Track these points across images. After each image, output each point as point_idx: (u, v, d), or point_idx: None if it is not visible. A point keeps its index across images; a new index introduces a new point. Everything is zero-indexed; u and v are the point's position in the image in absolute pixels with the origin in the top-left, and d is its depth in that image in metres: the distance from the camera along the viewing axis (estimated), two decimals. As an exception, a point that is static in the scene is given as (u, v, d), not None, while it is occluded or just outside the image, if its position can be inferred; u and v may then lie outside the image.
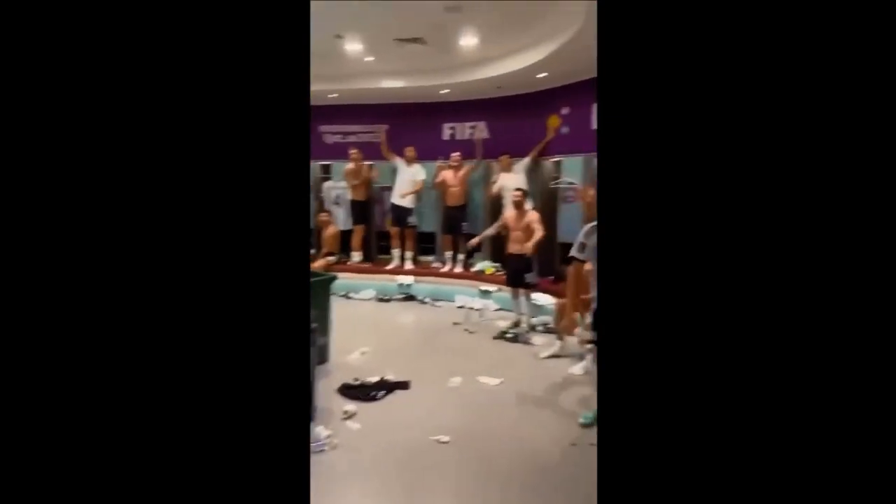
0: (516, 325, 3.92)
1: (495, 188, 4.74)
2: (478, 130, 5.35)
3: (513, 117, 5.12)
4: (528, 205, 3.86)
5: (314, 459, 1.94)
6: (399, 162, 5.08)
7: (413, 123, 5.42)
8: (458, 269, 4.99)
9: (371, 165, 5.27)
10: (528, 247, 3.66)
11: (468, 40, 4.06)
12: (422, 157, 5.09)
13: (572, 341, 3.46)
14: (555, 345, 3.40)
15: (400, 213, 5.02)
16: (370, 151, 5.34)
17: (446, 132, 5.53)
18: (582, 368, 3.09)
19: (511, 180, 4.51)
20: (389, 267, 5.13)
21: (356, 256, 5.32)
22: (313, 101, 5.57)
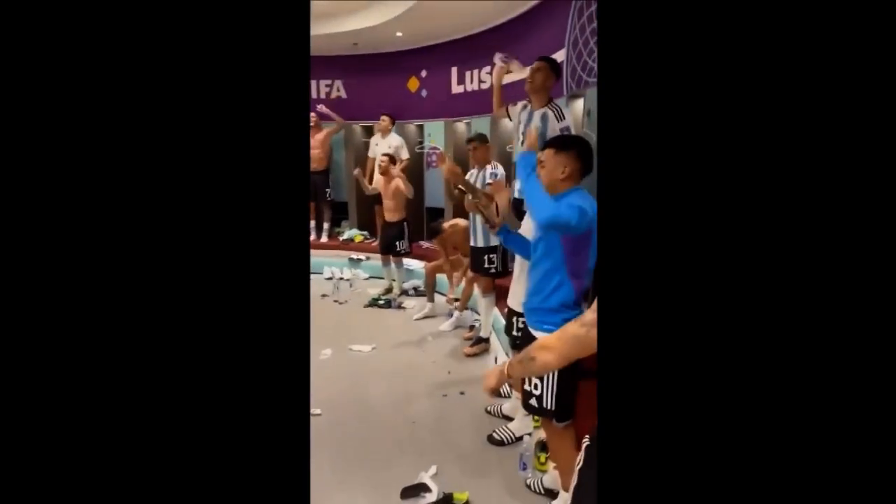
0: (388, 291, 3.92)
1: (371, 153, 4.48)
2: (333, 90, 5.03)
3: (370, 77, 4.92)
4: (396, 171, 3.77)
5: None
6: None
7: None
8: (325, 239, 4.75)
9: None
10: (400, 214, 3.64)
11: (319, -12, 3.72)
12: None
13: (441, 300, 3.60)
14: (426, 306, 3.49)
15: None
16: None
17: (301, 91, 5.09)
18: (450, 325, 3.24)
19: (382, 146, 4.32)
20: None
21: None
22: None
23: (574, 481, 0.92)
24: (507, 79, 2.85)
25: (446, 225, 3.33)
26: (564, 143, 1.40)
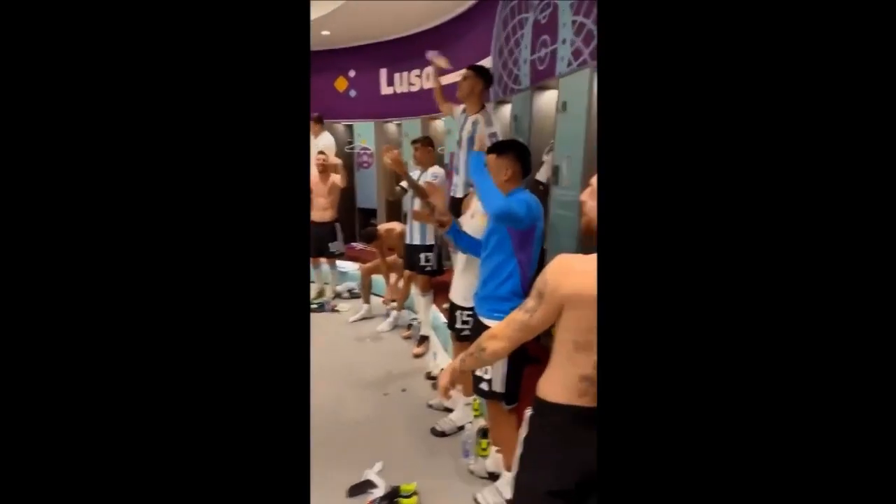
0: (320, 294, 3.82)
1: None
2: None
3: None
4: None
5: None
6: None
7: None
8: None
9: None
10: (332, 214, 3.57)
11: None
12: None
13: (377, 302, 3.58)
14: (362, 308, 3.47)
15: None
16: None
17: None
18: (388, 325, 3.25)
19: (316, 144, 4.16)
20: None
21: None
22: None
23: (519, 450, 1.00)
24: (449, 79, 2.93)
25: (381, 228, 3.33)
26: (503, 147, 1.52)
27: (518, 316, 0.96)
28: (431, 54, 2.71)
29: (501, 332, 0.99)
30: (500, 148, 1.52)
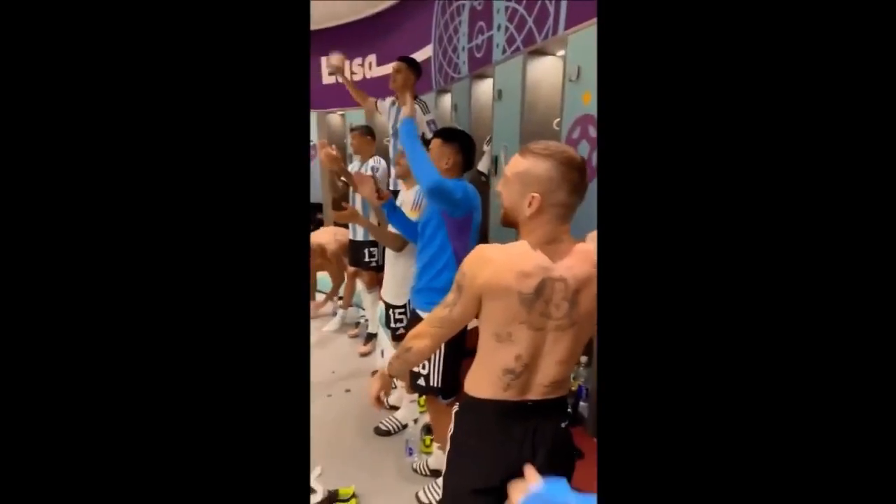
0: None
1: None
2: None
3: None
4: None
5: None
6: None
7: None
8: None
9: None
10: None
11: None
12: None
13: (321, 302, 3.47)
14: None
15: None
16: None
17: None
18: (335, 323, 3.15)
19: None
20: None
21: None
22: None
23: (447, 448, 0.97)
24: (376, 73, 2.85)
25: (314, 243, 3.17)
26: (450, 135, 1.48)
27: (439, 312, 0.92)
28: (333, 56, 2.60)
29: (424, 330, 0.95)
30: (446, 134, 1.47)
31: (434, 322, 0.93)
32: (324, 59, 4.27)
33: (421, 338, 0.95)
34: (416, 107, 2.20)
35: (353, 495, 1.56)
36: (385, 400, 1.15)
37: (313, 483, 1.62)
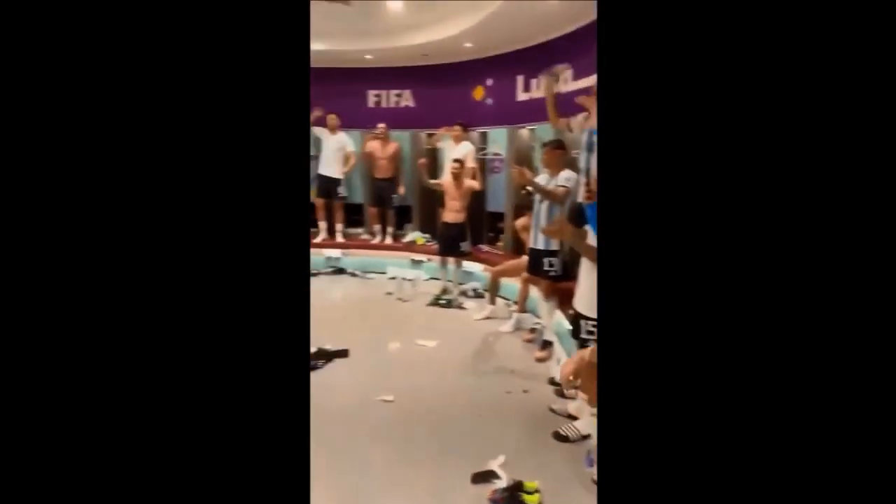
0: (444, 291, 4.04)
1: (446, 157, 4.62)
2: (403, 99, 5.28)
3: (439, 87, 5.12)
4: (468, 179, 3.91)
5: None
6: (321, 131, 4.85)
7: (336, 90, 5.19)
8: (388, 241, 4.98)
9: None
10: (463, 216, 3.78)
11: (394, 4, 3.96)
12: (345, 125, 4.91)
13: (501, 304, 3.67)
14: (486, 308, 3.58)
15: (328, 184, 4.84)
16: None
17: (371, 99, 5.39)
18: (511, 326, 3.31)
19: (454, 152, 4.42)
20: (317, 240, 4.97)
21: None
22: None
23: None
24: (571, 87, 2.89)
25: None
26: None
27: None
28: (548, 71, 2.67)
29: None
30: None
31: None
32: (519, 78, 4.52)
33: None
34: None
35: (537, 490, 1.65)
36: (575, 382, 1.13)
37: (497, 469, 1.77)
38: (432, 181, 3.99)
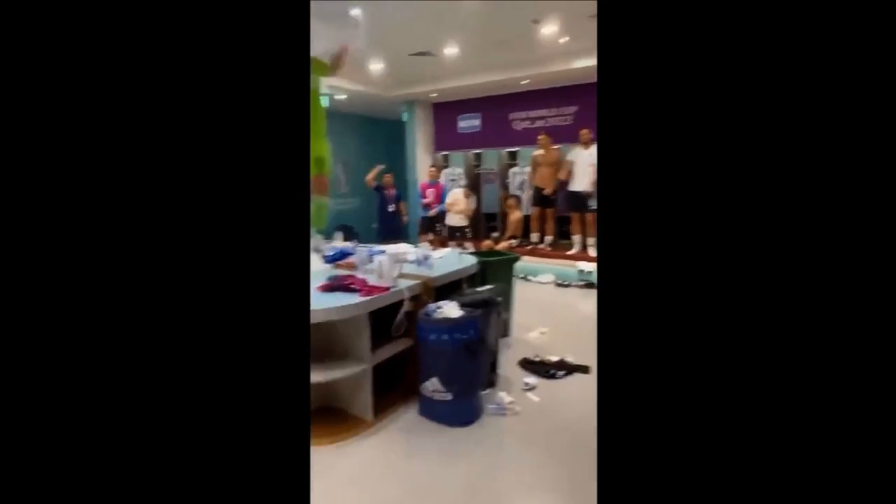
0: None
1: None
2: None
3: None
4: None
5: (494, 421, 2.11)
6: (576, 146, 4.94)
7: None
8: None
9: (558, 148, 5.32)
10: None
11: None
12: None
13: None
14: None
15: (578, 198, 4.90)
16: (560, 134, 5.38)
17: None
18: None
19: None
20: (570, 252, 5.07)
21: (536, 238, 5.46)
22: (505, 90, 5.91)
23: None
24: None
25: None
26: None
27: None
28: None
29: None
30: None
31: None
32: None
33: None
34: None
35: None
36: None
37: None
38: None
